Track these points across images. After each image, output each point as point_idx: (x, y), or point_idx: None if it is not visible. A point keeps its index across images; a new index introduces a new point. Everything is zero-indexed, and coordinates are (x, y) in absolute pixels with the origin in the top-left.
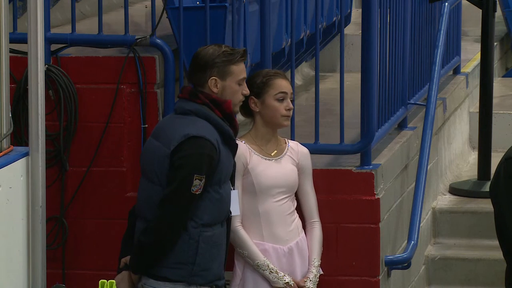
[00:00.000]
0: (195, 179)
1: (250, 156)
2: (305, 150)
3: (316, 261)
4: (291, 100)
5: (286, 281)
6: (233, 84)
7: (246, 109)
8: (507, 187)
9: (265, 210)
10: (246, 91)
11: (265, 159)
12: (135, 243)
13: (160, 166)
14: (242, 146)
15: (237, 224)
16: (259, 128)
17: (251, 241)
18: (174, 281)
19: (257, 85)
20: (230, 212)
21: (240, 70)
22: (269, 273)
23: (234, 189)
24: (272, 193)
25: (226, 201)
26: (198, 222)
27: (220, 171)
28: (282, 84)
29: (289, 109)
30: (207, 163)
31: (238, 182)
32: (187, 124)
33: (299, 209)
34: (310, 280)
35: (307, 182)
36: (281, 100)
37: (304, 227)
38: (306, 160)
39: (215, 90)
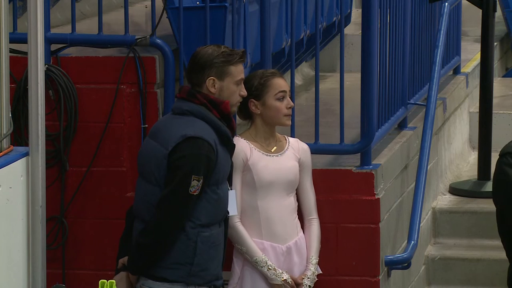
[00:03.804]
0: (193, 180)
1: (251, 152)
2: (305, 146)
3: (314, 258)
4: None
5: (284, 278)
6: (230, 85)
7: (244, 112)
8: (499, 182)
9: (265, 207)
10: (244, 92)
11: (266, 155)
12: (133, 244)
13: (158, 167)
14: (242, 143)
15: (236, 220)
16: (259, 127)
17: (249, 237)
18: (172, 282)
19: (256, 87)
20: (228, 212)
21: (238, 71)
22: (267, 270)
23: (231, 189)
24: (273, 189)
25: (223, 202)
26: (196, 222)
27: (217, 172)
28: (281, 83)
29: (290, 107)
30: (205, 163)
31: (237, 178)
32: (184, 124)
33: (298, 206)
34: (308, 278)
35: (306, 178)
36: (282, 99)
37: (302, 224)
38: (306, 157)
39: (212, 90)
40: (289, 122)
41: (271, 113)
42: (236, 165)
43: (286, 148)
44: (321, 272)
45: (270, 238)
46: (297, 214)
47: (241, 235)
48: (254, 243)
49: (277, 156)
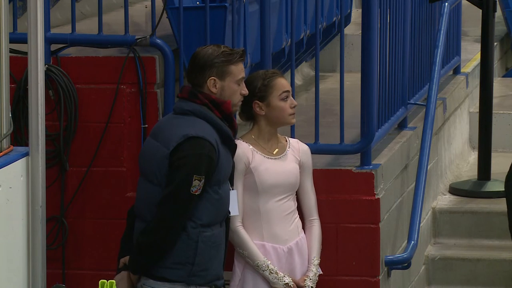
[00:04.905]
0: (194, 180)
1: (253, 156)
2: (305, 147)
3: (316, 259)
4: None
5: (286, 281)
6: (232, 84)
7: (247, 113)
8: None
9: (266, 209)
10: (245, 91)
11: (268, 157)
12: (134, 244)
13: (159, 167)
14: (244, 146)
15: (237, 224)
16: (262, 128)
17: (251, 241)
18: (173, 281)
19: (259, 89)
20: (229, 212)
21: (238, 70)
22: (269, 274)
23: (233, 189)
24: (274, 192)
25: (225, 202)
26: (197, 222)
27: (219, 172)
28: (284, 83)
29: (294, 107)
30: (206, 163)
31: (239, 182)
32: (186, 124)
33: (298, 207)
34: (310, 279)
35: (307, 179)
36: (286, 99)
37: (303, 225)
38: (306, 157)
39: (214, 90)
40: (294, 121)
41: (276, 113)
42: (238, 169)
43: (287, 149)
44: (321, 272)
45: (271, 240)
46: (298, 214)
47: (243, 239)
48: (255, 246)
49: (278, 158)
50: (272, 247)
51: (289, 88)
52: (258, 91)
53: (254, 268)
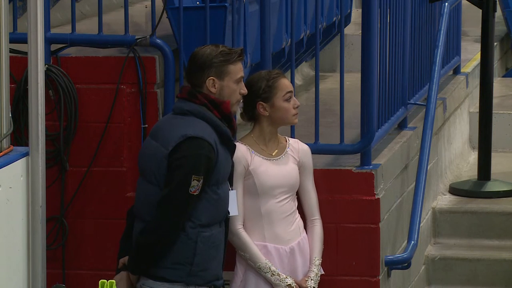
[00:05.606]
0: (193, 180)
1: (252, 158)
2: (305, 147)
3: (317, 259)
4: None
5: (288, 283)
6: (230, 84)
7: (250, 114)
8: None
9: (267, 211)
10: (244, 90)
11: (267, 159)
12: (133, 244)
13: (158, 167)
14: (243, 148)
15: (238, 226)
16: (264, 129)
17: (252, 243)
18: (172, 282)
19: (264, 90)
20: (228, 213)
21: (237, 70)
22: (271, 276)
23: (232, 190)
24: (274, 193)
25: (224, 202)
26: (196, 222)
27: (218, 172)
28: (287, 84)
29: (297, 107)
30: (205, 163)
31: (239, 184)
32: (185, 124)
33: (300, 207)
34: (312, 279)
35: (307, 179)
36: (289, 99)
37: (304, 225)
38: (306, 157)
39: (213, 90)
40: (297, 121)
41: (280, 114)
42: (238, 172)
43: (286, 150)
44: (323, 272)
45: (273, 240)
46: (300, 214)
47: (244, 241)
48: (257, 248)
49: (277, 159)
50: (274, 247)
51: (292, 88)
52: (262, 92)
53: (256, 270)
